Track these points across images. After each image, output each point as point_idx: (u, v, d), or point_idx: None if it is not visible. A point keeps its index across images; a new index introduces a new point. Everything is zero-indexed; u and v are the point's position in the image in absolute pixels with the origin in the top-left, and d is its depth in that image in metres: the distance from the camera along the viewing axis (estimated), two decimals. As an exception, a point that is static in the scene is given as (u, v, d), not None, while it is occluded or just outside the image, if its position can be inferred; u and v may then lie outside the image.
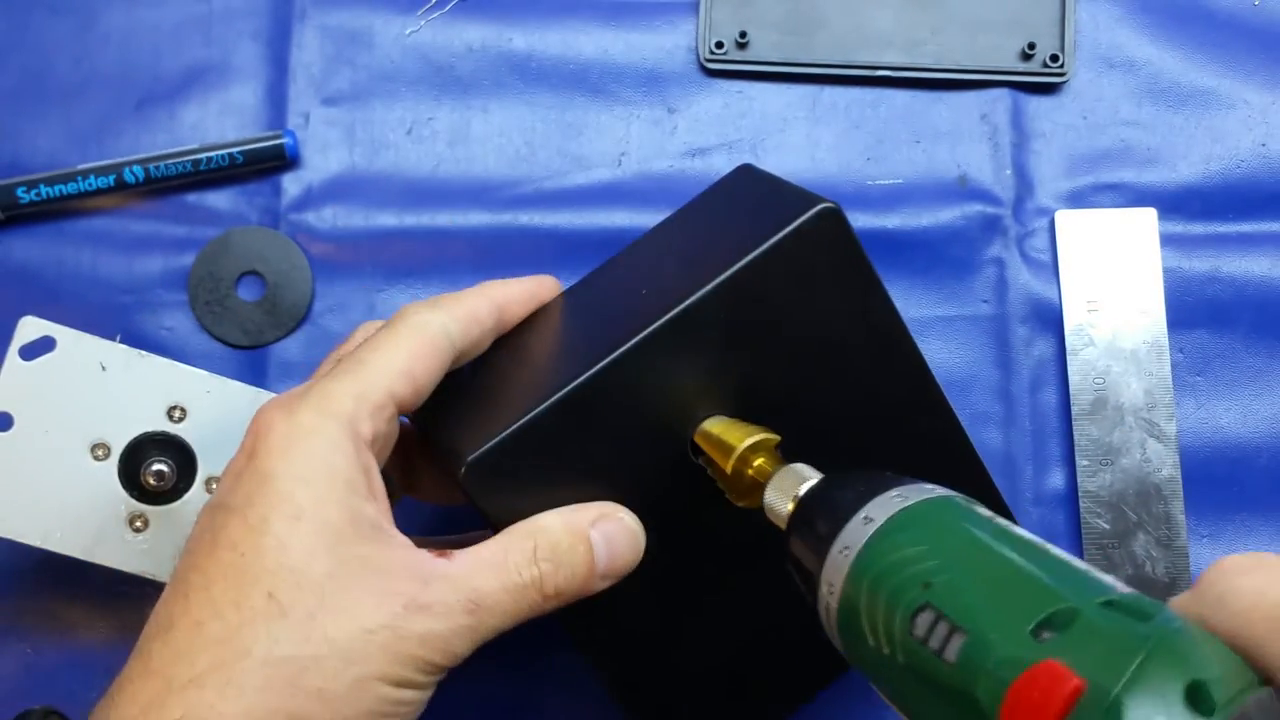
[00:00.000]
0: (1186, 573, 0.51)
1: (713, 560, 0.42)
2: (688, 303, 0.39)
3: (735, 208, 0.43)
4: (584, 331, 0.41)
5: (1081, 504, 0.52)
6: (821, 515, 0.35)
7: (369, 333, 0.42)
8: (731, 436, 0.39)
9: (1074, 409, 0.52)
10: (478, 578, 0.37)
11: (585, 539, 0.39)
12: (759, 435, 0.38)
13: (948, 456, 0.45)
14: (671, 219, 0.45)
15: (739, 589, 0.43)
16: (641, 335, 0.38)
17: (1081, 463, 0.52)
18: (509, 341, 0.43)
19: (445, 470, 0.40)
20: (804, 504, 0.37)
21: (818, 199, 0.40)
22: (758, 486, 0.38)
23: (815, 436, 0.41)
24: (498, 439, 0.38)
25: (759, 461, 0.38)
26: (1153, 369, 0.53)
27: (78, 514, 0.48)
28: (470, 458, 0.38)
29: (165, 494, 0.49)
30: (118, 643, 0.52)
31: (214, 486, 0.49)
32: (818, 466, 0.38)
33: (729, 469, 0.38)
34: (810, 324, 0.41)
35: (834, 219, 0.39)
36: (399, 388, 0.38)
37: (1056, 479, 0.53)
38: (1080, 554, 0.51)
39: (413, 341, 0.39)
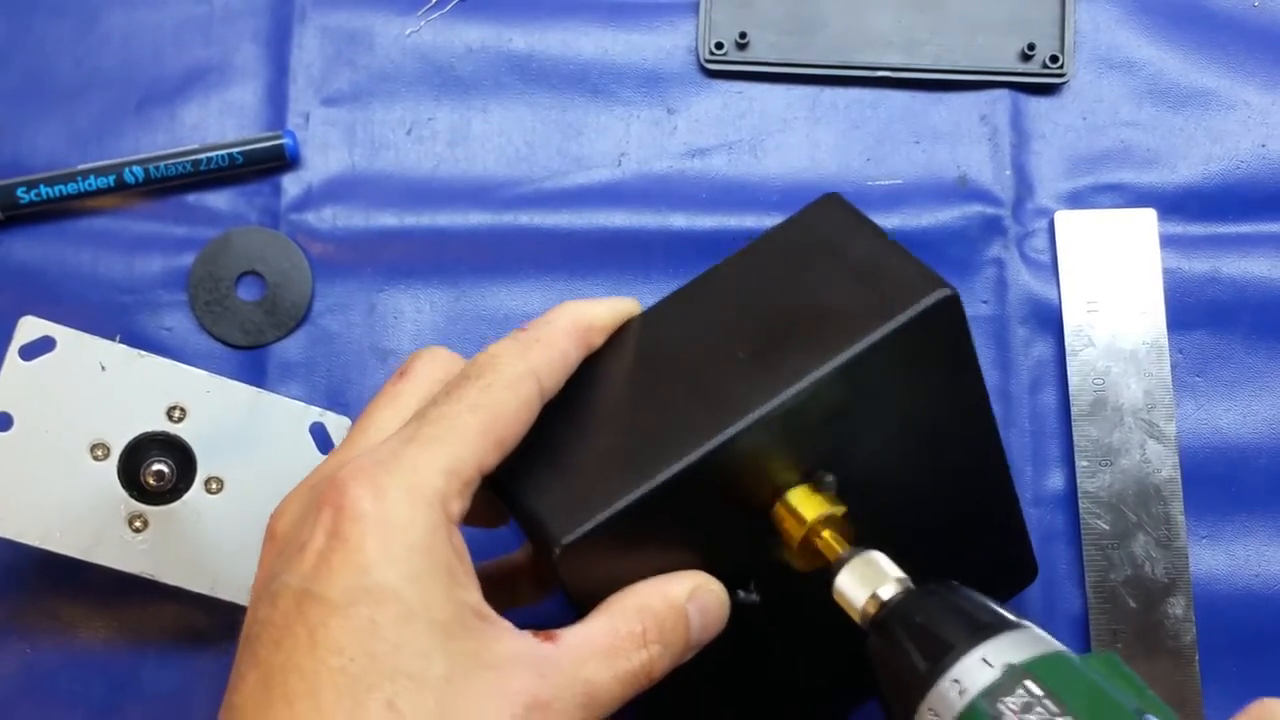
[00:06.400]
0: (1186, 573, 0.51)
1: (766, 614, 0.42)
2: (796, 388, 0.37)
3: (837, 261, 0.40)
4: (677, 391, 0.39)
5: (1081, 505, 0.52)
6: (923, 635, 0.35)
7: (437, 365, 0.39)
8: (806, 508, 0.39)
9: (1073, 409, 0.52)
10: (589, 667, 0.35)
11: (684, 614, 0.37)
12: (830, 509, 0.38)
13: (998, 525, 0.46)
14: (759, 248, 0.42)
15: (789, 639, 0.43)
16: (745, 421, 0.37)
17: (1081, 463, 0.52)
18: (588, 370, 0.40)
19: (527, 535, 0.39)
20: (895, 613, 0.36)
21: (936, 280, 0.38)
22: (823, 556, 0.38)
23: (882, 499, 0.41)
24: (593, 524, 0.36)
25: (827, 533, 0.38)
26: (1152, 369, 0.53)
27: (77, 514, 0.48)
28: (565, 541, 0.36)
29: (165, 494, 0.49)
30: (118, 643, 0.52)
31: (214, 487, 0.49)
32: (881, 534, 0.38)
33: (798, 537, 0.38)
34: (906, 403, 0.40)
35: (953, 306, 0.38)
36: (489, 460, 0.36)
37: (1056, 479, 0.53)
38: (1080, 554, 0.52)
39: (507, 404, 0.36)
